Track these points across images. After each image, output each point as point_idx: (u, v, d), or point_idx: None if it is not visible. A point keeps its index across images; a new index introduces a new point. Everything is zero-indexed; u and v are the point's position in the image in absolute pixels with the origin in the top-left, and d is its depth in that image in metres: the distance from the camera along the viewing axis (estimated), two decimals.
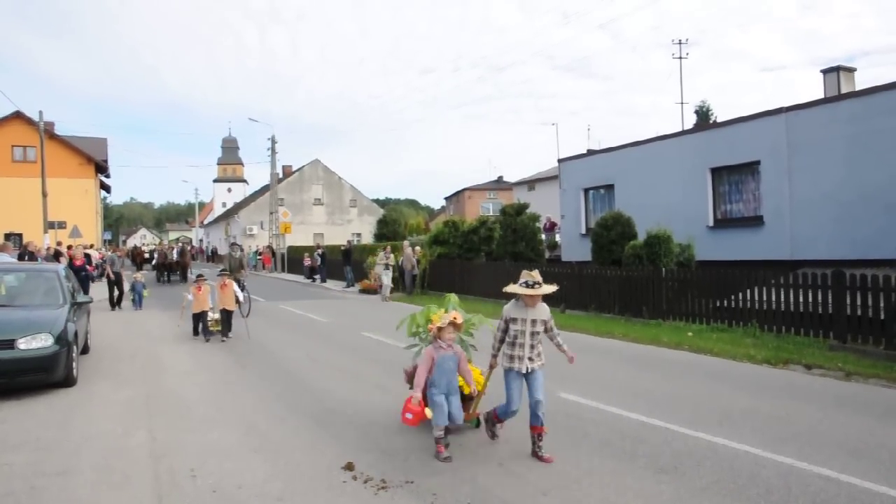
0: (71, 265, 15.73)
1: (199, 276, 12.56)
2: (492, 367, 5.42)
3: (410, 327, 6.15)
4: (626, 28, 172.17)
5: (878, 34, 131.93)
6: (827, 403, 6.71)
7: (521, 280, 5.09)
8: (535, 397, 5.12)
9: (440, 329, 5.21)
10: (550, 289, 5.13)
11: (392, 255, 21.56)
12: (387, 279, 20.59)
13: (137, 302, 17.74)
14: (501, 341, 5.27)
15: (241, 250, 18.40)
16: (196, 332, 12.05)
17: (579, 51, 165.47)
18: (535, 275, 5.10)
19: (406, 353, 6.52)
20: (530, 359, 5.11)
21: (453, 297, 6.21)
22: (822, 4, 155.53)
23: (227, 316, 11.91)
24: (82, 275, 16.78)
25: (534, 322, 5.11)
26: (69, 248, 20.60)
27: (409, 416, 5.13)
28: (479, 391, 5.67)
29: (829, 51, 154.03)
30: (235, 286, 12.33)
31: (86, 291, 15.00)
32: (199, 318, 11.95)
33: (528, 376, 5.15)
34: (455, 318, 5.23)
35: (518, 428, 5.94)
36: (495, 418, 5.45)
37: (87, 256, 21.49)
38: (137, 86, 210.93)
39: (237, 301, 12.27)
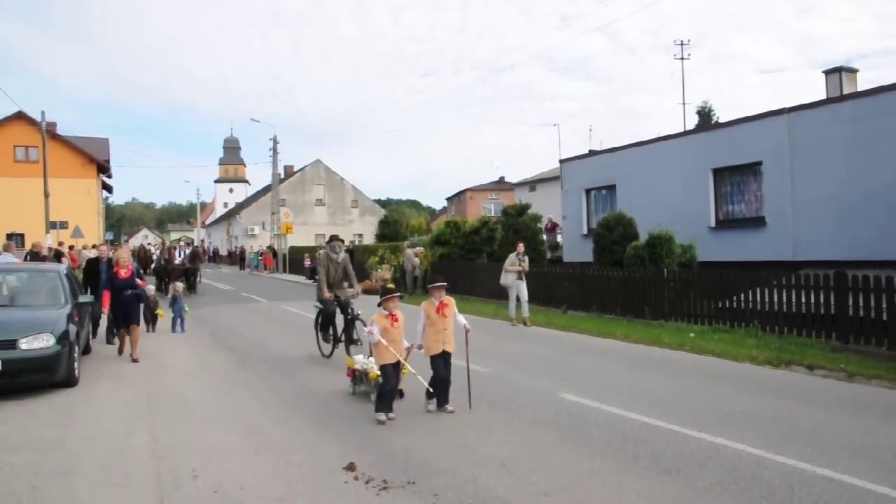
0: (111, 276, 9.97)
1: (390, 289, 6.91)
2: None
3: None
4: (624, 31, 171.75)
5: (874, 37, 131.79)
6: (829, 404, 6.69)
7: None
8: None
9: None
10: None
11: (526, 259, 13.96)
12: (520, 291, 13.42)
13: (180, 323, 13.09)
14: None
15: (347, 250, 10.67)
16: (389, 407, 6.30)
17: (578, 53, 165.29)
18: None
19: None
20: None
21: None
22: (818, 7, 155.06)
23: (446, 367, 6.54)
24: (128, 293, 9.91)
25: None
26: (72, 248, 19.91)
27: None
28: None
29: (827, 53, 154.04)
30: (454, 307, 6.86)
31: (149, 319, 12.46)
32: (392, 373, 6.38)
33: None
34: None
35: (520, 427, 5.94)
36: None
37: (138, 268, 12.23)
38: (139, 87, 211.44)
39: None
